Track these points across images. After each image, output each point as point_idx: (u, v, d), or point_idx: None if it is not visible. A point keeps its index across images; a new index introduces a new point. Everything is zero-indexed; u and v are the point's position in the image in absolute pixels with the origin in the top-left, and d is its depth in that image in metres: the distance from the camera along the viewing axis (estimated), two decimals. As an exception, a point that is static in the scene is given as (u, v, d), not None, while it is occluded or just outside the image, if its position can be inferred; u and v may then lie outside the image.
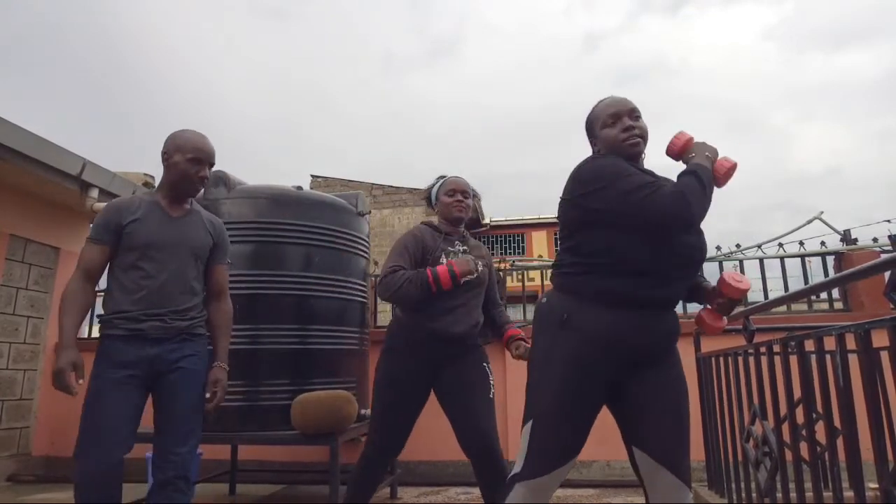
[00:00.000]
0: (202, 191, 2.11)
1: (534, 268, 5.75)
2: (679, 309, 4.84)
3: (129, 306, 1.92)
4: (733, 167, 1.51)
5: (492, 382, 2.33)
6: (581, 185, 1.53)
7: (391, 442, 2.28)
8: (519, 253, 18.38)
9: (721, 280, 1.56)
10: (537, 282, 5.43)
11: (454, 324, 2.25)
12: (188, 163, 2.00)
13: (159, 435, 1.93)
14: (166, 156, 2.03)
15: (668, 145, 1.59)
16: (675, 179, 1.50)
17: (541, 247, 18.52)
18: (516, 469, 1.51)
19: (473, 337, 2.36)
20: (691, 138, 1.58)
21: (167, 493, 1.89)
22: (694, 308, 5.07)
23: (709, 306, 1.64)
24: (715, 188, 1.50)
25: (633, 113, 1.61)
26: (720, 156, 1.53)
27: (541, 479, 1.46)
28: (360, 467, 2.28)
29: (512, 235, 19.01)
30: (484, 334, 2.47)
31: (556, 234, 18.67)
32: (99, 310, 2.03)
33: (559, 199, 1.62)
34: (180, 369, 1.96)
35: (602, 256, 1.50)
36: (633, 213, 1.44)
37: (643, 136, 1.60)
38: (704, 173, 1.46)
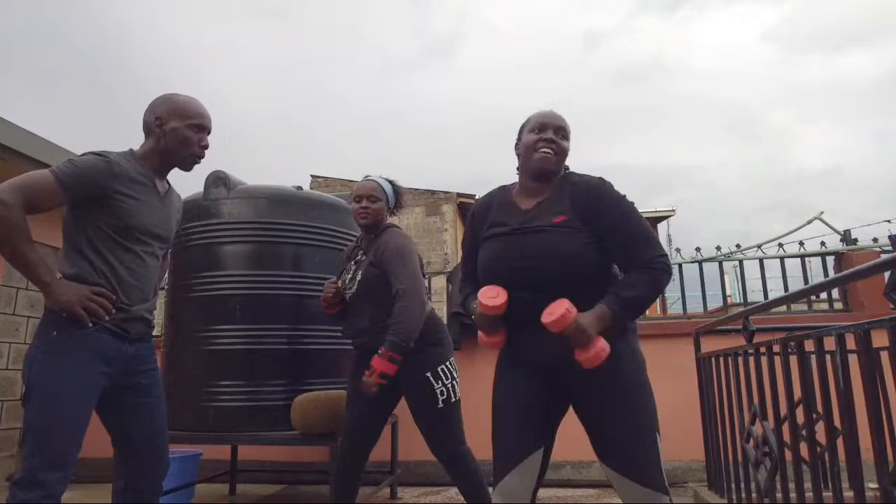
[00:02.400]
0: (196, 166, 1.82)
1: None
2: (679, 309, 4.83)
3: (121, 296, 1.65)
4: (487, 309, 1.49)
5: (437, 392, 2.25)
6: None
7: (356, 436, 2.37)
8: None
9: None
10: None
11: (351, 330, 2.40)
12: (189, 129, 1.75)
13: (137, 448, 1.71)
14: (159, 121, 1.73)
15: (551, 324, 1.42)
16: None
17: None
18: None
19: (378, 342, 2.23)
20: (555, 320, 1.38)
21: None
22: (694, 309, 5.07)
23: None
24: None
25: (560, 131, 1.61)
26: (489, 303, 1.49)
27: (505, 481, 1.50)
28: (337, 463, 2.40)
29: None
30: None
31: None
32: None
33: None
34: (153, 372, 1.77)
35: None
36: None
37: (558, 154, 1.58)
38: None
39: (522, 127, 1.67)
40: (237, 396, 2.96)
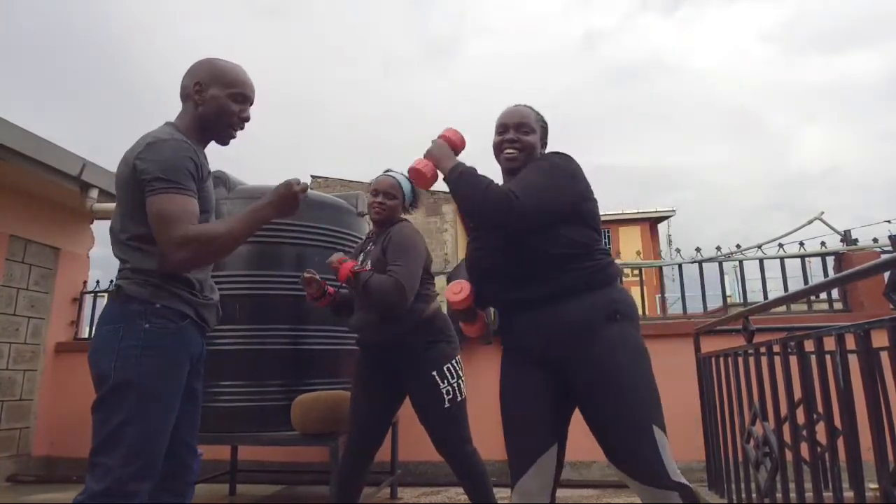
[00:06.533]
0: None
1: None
2: (679, 309, 4.83)
3: (196, 284, 1.54)
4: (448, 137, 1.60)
5: (443, 391, 2.22)
6: None
7: (361, 436, 2.34)
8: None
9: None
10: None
11: (356, 324, 2.35)
12: (229, 98, 1.56)
13: (182, 436, 1.59)
14: (199, 87, 1.54)
15: (416, 180, 1.63)
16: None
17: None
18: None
19: (381, 337, 2.27)
20: (428, 162, 1.59)
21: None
22: (694, 309, 5.06)
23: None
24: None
25: (522, 127, 1.63)
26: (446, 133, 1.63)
27: (522, 481, 1.50)
28: (341, 463, 2.38)
29: (512, 236, 18.93)
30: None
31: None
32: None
33: None
34: (202, 376, 1.68)
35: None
36: None
37: (524, 150, 1.63)
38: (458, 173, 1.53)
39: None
40: (237, 396, 2.96)
